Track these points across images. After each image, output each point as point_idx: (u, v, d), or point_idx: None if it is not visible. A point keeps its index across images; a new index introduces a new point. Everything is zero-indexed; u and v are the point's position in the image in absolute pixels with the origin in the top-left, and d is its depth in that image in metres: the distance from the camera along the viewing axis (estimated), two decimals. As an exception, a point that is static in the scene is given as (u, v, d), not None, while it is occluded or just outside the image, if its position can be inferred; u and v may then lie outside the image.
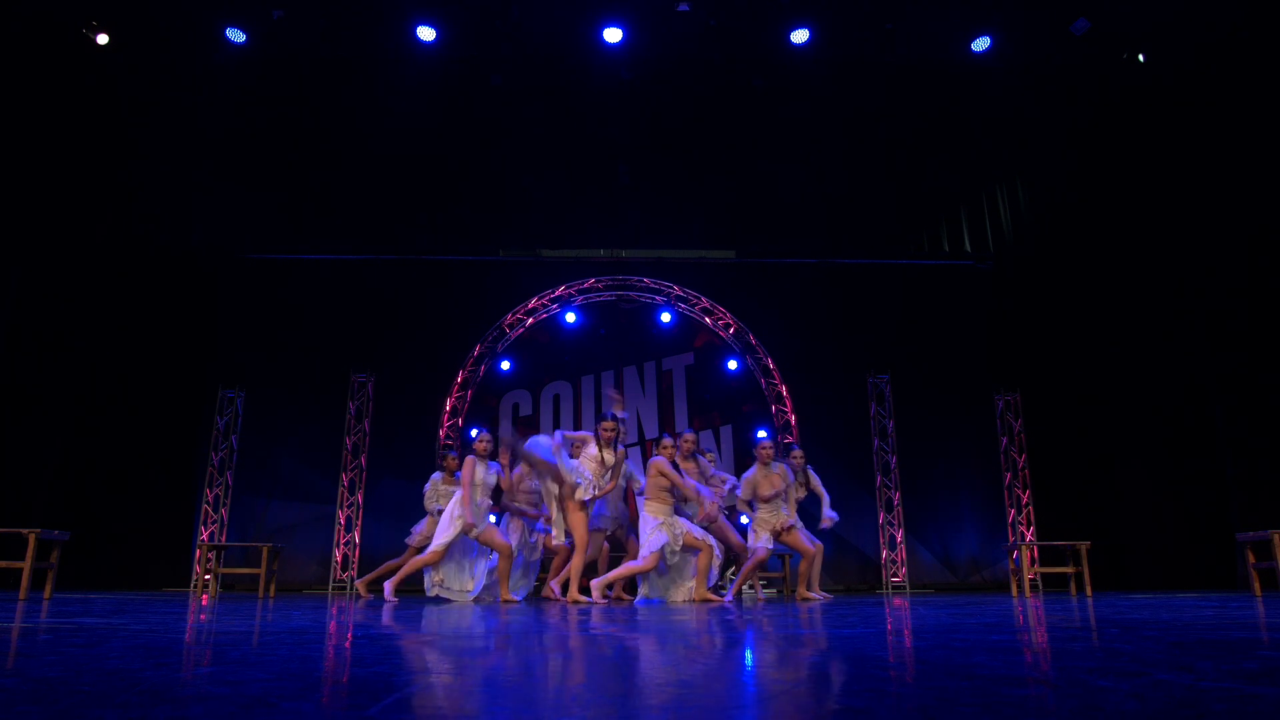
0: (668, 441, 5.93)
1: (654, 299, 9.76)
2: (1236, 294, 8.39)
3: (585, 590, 5.83)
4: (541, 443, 5.94)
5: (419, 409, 9.27)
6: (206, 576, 7.53)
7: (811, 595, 6.25)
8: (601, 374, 9.61)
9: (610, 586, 5.97)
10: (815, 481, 6.67)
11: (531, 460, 5.97)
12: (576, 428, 9.31)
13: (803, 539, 6.26)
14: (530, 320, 9.69)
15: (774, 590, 8.23)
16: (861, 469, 9.18)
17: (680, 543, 5.70)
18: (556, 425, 9.22)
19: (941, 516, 9.20)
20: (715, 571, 5.90)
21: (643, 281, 9.73)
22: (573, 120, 9.30)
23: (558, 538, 5.96)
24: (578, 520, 5.70)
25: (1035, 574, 7.88)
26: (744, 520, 6.67)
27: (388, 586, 5.96)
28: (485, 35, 8.52)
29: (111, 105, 8.71)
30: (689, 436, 6.40)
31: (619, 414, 5.94)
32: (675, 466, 5.82)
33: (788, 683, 1.59)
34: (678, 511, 5.94)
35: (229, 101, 8.97)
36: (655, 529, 5.69)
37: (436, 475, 6.78)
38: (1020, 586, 7.16)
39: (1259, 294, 8.23)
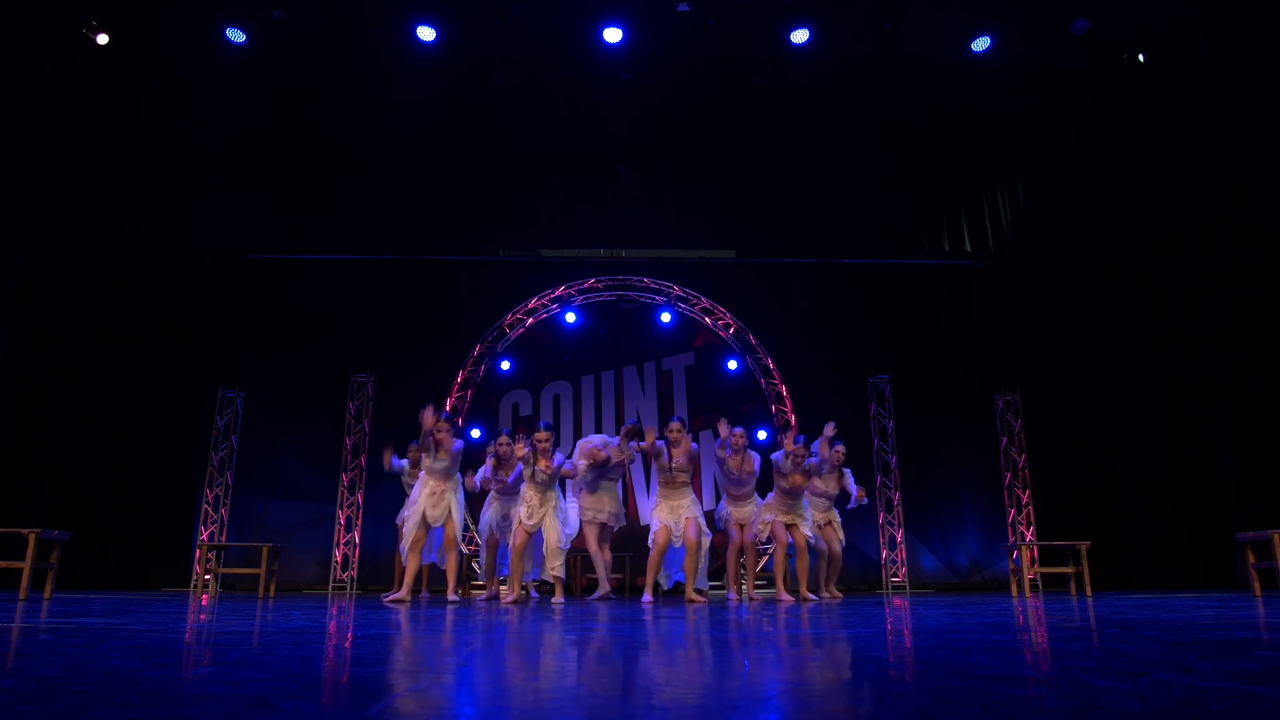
0: (676, 424, 6.24)
1: (654, 299, 9.75)
2: (1236, 294, 8.38)
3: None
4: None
5: (419, 409, 9.26)
6: (206, 576, 7.52)
7: (809, 596, 6.31)
8: (601, 374, 9.60)
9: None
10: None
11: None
12: (576, 427, 9.32)
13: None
14: (530, 320, 9.69)
15: (771, 590, 8.22)
16: (861, 469, 9.15)
17: (683, 527, 5.96)
18: (557, 425, 9.21)
19: (942, 516, 9.20)
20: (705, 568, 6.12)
21: (643, 281, 9.72)
22: (573, 120, 9.28)
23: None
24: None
25: (1035, 574, 7.87)
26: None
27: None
28: (485, 35, 8.51)
29: (112, 105, 8.70)
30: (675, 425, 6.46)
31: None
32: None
33: (788, 683, 1.59)
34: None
35: (229, 101, 8.95)
36: (653, 511, 6.17)
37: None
38: (1020, 586, 7.16)
39: (1259, 293, 8.22)
